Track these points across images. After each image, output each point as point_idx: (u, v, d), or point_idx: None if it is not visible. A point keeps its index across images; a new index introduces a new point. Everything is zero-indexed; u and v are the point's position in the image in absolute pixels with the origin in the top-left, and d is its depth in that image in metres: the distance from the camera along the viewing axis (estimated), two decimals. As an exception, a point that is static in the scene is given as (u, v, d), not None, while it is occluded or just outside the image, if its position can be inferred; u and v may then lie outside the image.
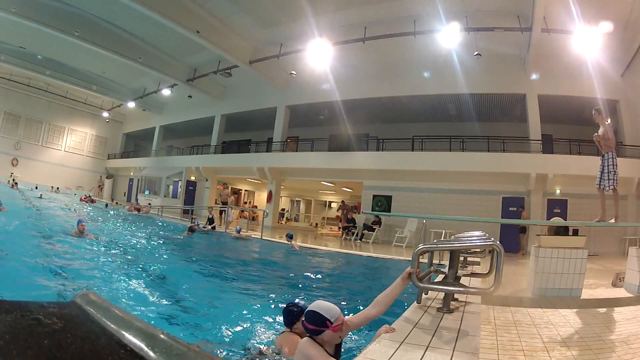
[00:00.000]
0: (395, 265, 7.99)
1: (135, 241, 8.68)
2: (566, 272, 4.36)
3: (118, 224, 12.08)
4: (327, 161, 16.22)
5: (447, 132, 15.49)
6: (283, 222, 24.07)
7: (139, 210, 17.75)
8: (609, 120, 12.73)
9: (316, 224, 25.52)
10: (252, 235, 11.46)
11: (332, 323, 1.95)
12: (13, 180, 21.68)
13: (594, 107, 6.00)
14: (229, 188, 16.07)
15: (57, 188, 24.07)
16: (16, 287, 3.64)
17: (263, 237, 10.96)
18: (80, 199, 19.88)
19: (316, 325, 1.96)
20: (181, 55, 18.29)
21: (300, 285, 5.66)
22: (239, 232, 11.31)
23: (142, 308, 3.71)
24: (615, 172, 5.57)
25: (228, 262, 7.44)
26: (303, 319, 2.05)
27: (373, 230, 13.92)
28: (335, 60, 14.23)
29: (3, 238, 5.80)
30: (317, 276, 6.57)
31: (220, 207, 15.50)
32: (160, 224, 13.70)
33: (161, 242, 9.19)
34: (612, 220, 5.62)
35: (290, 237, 9.92)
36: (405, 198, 14.98)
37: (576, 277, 4.36)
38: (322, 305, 2.02)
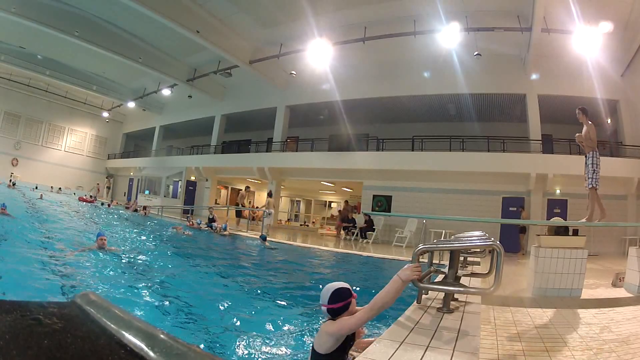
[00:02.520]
0: (391, 264, 8.02)
1: (150, 245, 8.54)
2: (566, 272, 4.36)
3: (126, 227, 11.80)
4: (327, 161, 16.21)
5: (447, 132, 15.48)
6: (282, 221, 24.06)
7: (145, 209, 17.61)
8: (609, 120, 12.74)
9: (305, 223, 25.69)
10: (239, 234, 11.66)
11: (352, 290, 2.16)
12: (10, 180, 21.60)
13: (578, 107, 5.93)
14: (248, 192, 15.97)
15: (60, 188, 24.04)
16: (17, 289, 3.64)
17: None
18: (79, 199, 19.83)
19: (345, 298, 2.11)
20: (181, 55, 18.30)
21: (295, 284, 5.69)
22: (225, 229, 11.61)
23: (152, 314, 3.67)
24: (594, 170, 5.53)
25: (226, 261, 7.46)
26: (329, 304, 2.12)
27: (373, 230, 13.93)
28: (335, 60, 14.23)
29: (7, 249, 5.48)
30: (312, 273, 6.63)
31: (222, 208, 15.45)
32: (169, 225, 13.49)
33: (174, 244, 9.10)
34: (597, 220, 5.59)
35: (263, 238, 10.16)
36: (405, 198, 14.98)
37: (576, 277, 4.36)
38: (336, 284, 2.18)
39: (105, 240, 6.14)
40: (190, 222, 13.02)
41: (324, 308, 2.13)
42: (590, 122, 5.74)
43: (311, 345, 2.18)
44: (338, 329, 2.01)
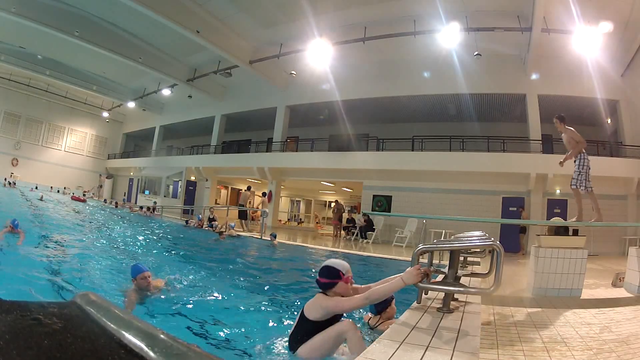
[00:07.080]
0: (391, 264, 8.01)
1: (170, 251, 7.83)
2: (566, 272, 4.36)
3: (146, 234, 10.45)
4: (327, 161, 16.22)
5: (447, 132, 15.49)
6: (283, 221, 24.09)
7: (150, 210, 17.49)
8: (609, 120, 12.63)
9: (299, 221, 25.74)
10: (242, 234, 11.67)
11: (344, 274, 2.23)
12: (6, 179, 21.52)
13: (555, 115, 5.88)
14: (251, 192, 15.67)
15: (65, 188, 23.99)
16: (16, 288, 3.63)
17: (263, 238, 11.00)
18: (72, 197, 19.75)
19: (331, 277, 2.21)
20: (181, 55, 18.30)
21: (291, 282, 5.68)
22: (232, 228, 11.61)
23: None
24: (579, 172, 5.49)
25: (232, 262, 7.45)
26: (317, 277, 2.27)
27: (373, 230, 13.94)
28: (335, 60, 14.23)
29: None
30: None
31: (222, 208, 15.40)
32: (187, 230, 12.92)
33: (193, 249, 8.85)
34: (594, 220, 5.59)
35: (274, 236, 10.10)
36: (405, 198, 14.98)
37: (576, 277, 4.36)
38: (334, 261, 2.31)
39: (149, 276, 4.18)
40: (190, 223, 12.96)
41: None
42: (568, 127, 5.74)
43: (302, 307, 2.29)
44: (332, 307, 2.14)
